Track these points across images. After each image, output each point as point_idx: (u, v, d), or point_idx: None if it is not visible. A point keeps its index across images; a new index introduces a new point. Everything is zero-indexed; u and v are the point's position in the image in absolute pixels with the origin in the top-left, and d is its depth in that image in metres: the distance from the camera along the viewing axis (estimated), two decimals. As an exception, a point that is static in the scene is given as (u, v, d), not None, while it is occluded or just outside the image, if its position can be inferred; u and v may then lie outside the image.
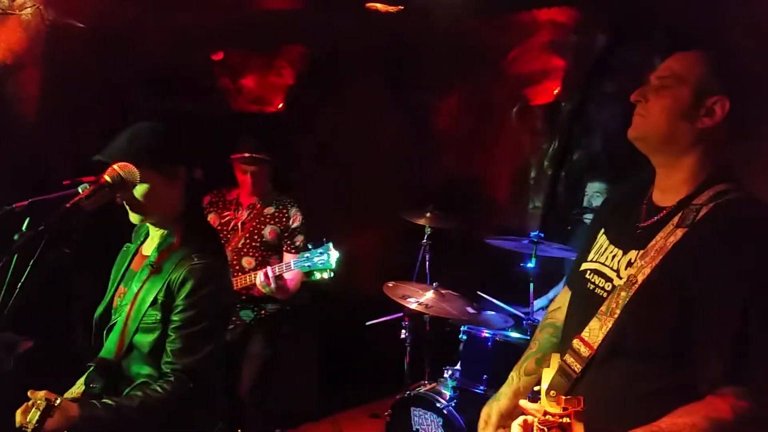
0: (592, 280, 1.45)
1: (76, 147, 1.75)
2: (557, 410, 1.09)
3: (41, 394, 1.54)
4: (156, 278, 1.71)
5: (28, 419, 1.49)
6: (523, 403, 1.29)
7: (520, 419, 1.31)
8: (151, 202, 1.72)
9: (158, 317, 1.67)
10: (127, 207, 1.75)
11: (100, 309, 1.85)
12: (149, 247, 1.82)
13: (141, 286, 1.73)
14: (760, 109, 1.39)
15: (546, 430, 1.08)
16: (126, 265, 1.86)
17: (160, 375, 1.66)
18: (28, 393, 1.56)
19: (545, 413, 1.10)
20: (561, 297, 1.73)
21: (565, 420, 1.07)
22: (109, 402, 1.58)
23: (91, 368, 1.79)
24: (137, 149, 1.67)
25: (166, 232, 1.77)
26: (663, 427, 1.14)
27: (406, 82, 4.54)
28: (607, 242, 1.48)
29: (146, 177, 1.67)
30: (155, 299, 1.68)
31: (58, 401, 1.51)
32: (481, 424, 1.62)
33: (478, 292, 3.54)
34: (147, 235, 1.89)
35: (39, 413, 1.49)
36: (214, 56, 4.51)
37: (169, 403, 1.62)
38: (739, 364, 1.18)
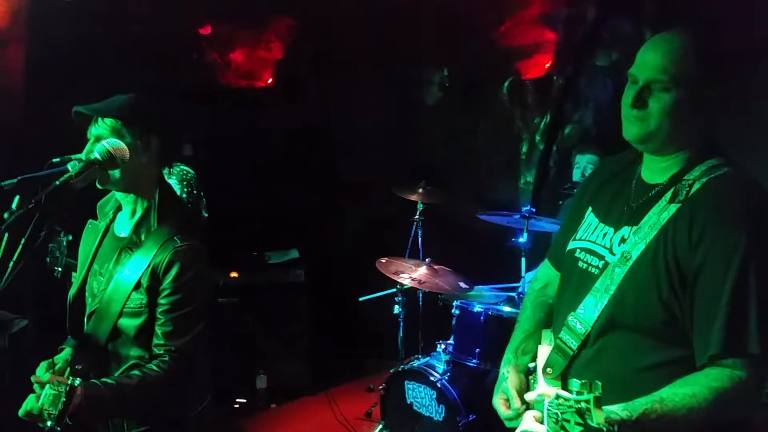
0: (584, 259, 1.45)
1: (61, 122, 1.70)
2: (572, 394, 0.99)
3: (49, 376, 1.49)
4: (137, 261, 1.67)
5: (48, 405, 1.44)
6: (529, 396, 1.22)
7: (532, 413, 1.26)
8: (126, 173, 1.66)
9: (144, 301, 1.65)
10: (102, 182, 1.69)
11: (73, 290, 1.80)
12: (122, 227, 1.77)
13: (120, 270, 1.69)
14: (742, 81, 1.38)
15: (559, 414, 0.98)
16: (96, 244, 1.80)
17: (152, 356, 1.66)
18: (32, 378, 1.53)
19: (557, 396, 0.99)
20: (544, 273, 1.71)
21: (583, 405, 0.96)
22: (110, 381, 1.57)
23: (66, 349, 1.76)
24: (117, 106, 1.66)
25: (141, 211, 1.73)
26: (663, 397, 1.16)
27: (398, 56, 4.49)
28: (597, 221, 1.48)
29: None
30: (139, 283, 1.65)
31: (77, 383, 1.47)
32: (502, 407, 1.49)
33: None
34: (115, 212, 1.83)
35: (63, 397, 1.43)
36: (202, 30, 4.44)
37: (166, 381, 1.62)
38: (736, 337, 1.20)
